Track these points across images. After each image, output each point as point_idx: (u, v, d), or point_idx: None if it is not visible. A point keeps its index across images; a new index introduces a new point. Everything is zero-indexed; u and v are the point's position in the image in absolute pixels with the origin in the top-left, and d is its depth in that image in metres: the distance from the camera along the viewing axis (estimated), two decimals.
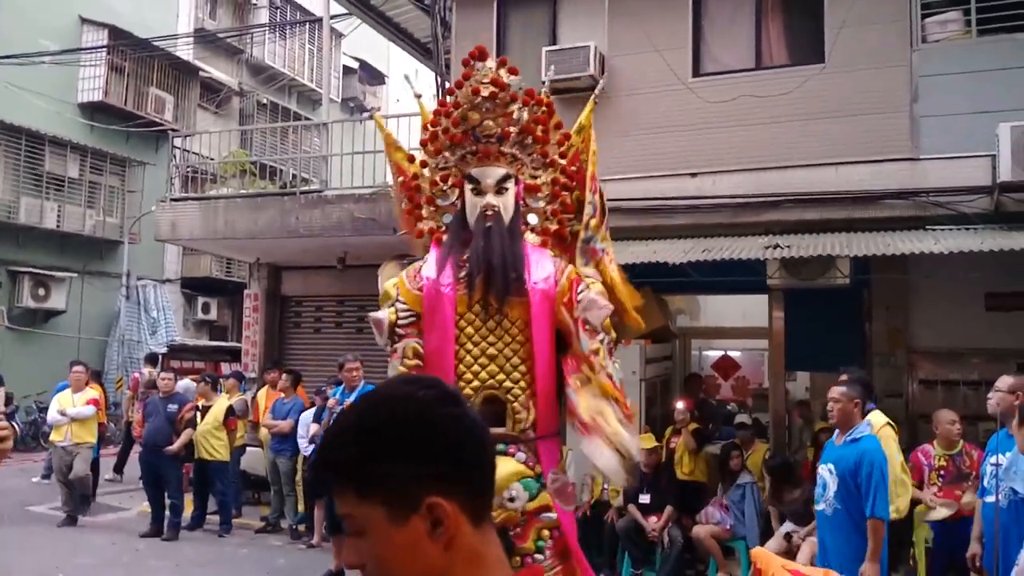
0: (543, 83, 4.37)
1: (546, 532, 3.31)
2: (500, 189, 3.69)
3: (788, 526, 6.46)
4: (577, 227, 3.83)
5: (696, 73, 8.00)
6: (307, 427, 8.02)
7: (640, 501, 7.09)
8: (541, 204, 3.81)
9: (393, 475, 0.98)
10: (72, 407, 8.64)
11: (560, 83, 8.02)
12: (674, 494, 7.14)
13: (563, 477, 3.30)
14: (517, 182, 3.77)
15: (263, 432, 8.98)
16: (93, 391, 8.91)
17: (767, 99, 7.50)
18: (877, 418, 5.41)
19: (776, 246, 6.69)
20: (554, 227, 3.80)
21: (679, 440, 7.53)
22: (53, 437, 8.86)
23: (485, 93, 3.74)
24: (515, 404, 3.39)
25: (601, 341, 3.47)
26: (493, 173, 3.71)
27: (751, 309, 9.12)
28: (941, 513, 5.73)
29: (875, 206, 7.10)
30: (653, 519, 6.94)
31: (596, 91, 4.58)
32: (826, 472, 4.61)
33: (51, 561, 7.10)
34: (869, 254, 6.44)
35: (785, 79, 7.57)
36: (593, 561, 7.26)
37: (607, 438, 3.29)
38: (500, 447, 3.32)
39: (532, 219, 3.78)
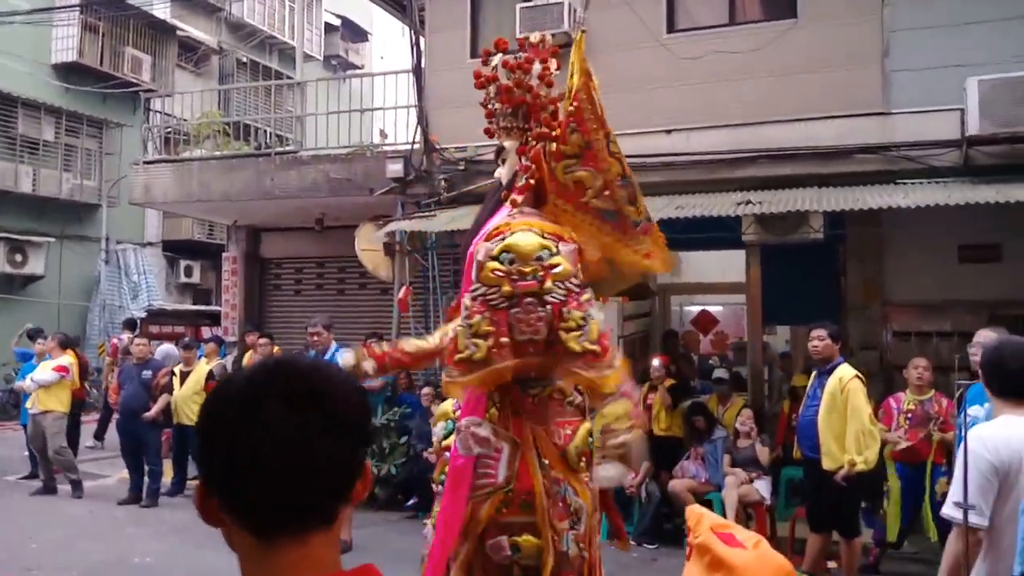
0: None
1: (448, 469, 3.51)
2: (501, 160, 3.71)
3: (742, 473, 6.71)
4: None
5: (670, 29, 7.92)
6: None
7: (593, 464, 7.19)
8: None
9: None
10: (39, 374, 8.58)
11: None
12: (650, 450, 7.25)
13: (467, 427, 3.31)
14: (523, 150, 3.64)
15: None
16: (64, 358, 8.75)
17: (740, 55, 7.45)
18: (846, 371, 5.54)
19: (748, 202, 6.70)
20: (526, 183, 3.60)
21: (655, 396, 7.61)
22: (27, 404, 8.80)
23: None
24: None
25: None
26: (497, 148, 3.76)
27: (730, 265, 9.17)
28: (901, 444, 5.98)
29: (847, 161, 7.11)
30: (630, 475, 7.04)
31: (579, 22, 4.17)
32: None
33: (24, 532, 7.05)
34: (840, 209, 6.48)
35: (758, 35, 7.51)
36: None
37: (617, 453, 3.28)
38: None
39: (520, 180, 3.62)
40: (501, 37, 3.86)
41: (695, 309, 11.39)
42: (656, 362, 7.68)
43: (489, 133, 3.70)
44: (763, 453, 6.74)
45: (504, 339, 3.22)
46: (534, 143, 3.63)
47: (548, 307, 3.19)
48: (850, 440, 5.38)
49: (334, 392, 1.00)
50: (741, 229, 7.41)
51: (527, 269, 3.20)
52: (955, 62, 6.74)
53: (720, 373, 8.14)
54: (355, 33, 22.70)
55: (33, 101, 15.65)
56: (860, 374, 5.58)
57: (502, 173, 3.68)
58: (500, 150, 3.71)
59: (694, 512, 2.47)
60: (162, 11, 17.52)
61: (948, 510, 2.48)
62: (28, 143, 15.65)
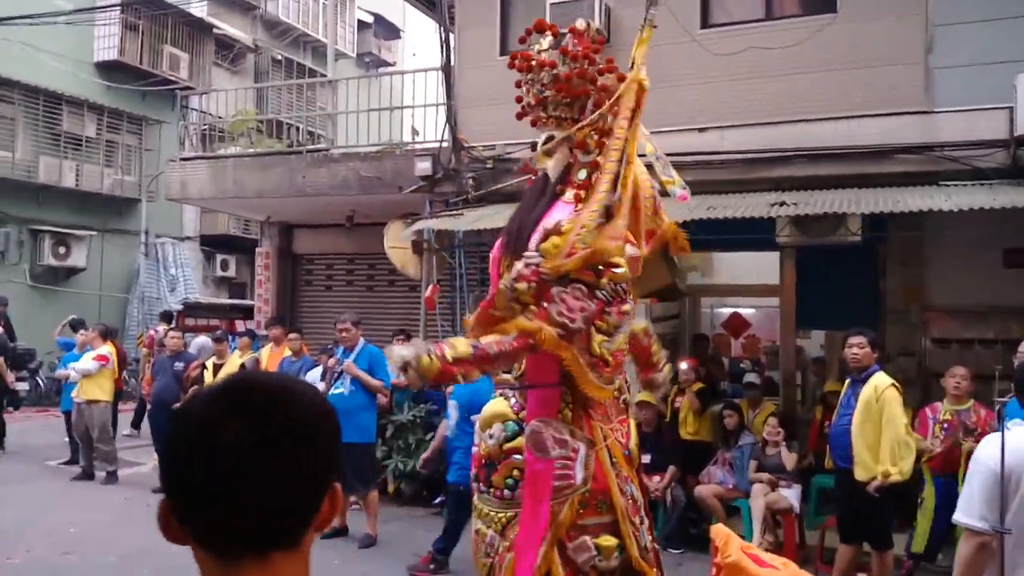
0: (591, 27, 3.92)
1: (517, 472, 3.41)
2: (548, 152, 3.53)
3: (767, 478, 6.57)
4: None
5: (704, 24, 7.75)
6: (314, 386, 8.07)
7: (641, 460, 7.08)
8: (590, 157, 3.48)
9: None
10: (81, 364, 8.85)
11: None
12: (677, 454, 7.13)
13: (543, 428, 3.23)
14: (573, 141, 3.51)
15: None
16: (105, 348, 8.98)
17: (777, 51, 7.24)
18: (882, 379, 5.36)
19: (782, 203, 6.53)
20: (587, 178, 3.46)
21: (683, 400, 7.48)
22: (73, 393, 9.03)
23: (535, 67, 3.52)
24: None
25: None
26: (541, 138, 3.57)
27: (764, 266, 8.97)
28: (936, 449, 5.82)
29: (888, 161, 6.89)
30: (656, 478, 6.93)
31: (649, 17, 3.61)
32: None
33: (64, 516, 7.25)
34: (879, 211, 6.28)
35: (795, 30, 7.30)
36: None
37: None
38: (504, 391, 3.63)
39: (580, 175, 3.49)
40: (541, 19, 3.71)
41: (726, 311, 11.18)
42: (684, 365, 7.54)
43: (533, 122, 3.51)
44: (790, 459, 6.56)
45: (533, 308, 3.11)
46: (596, 137, 3.40)
47: (593, 301, 3.15)
48: (885, 450, 5.20)
49: (299, 411, 0.95)
50: (775, 231, 7.26)
51: (589, 257, 3.12)
52: (1003, 58, 6.47)
53: (751, 377, 7.95)
54: (387, 30, 22.76)
55: (76, 98, 15.98)
56: (896, 382, 5.40)
57: (548, 166, 3.50)
58: (546, 140, 3.50)
59: (721, 532, 2.36)
60: (199, 9, 17.76)
61: (955, 515, 2.55)
62: (72, 139, 15.98)
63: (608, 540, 3.25)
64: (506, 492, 3.45)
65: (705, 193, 7.32)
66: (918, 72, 6.90)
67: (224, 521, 0.91)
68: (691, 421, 7.41)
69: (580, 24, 3.65)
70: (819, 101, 7.12)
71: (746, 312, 10.91)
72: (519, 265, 3.19)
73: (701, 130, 7.49)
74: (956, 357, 7.07)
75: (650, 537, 3.41)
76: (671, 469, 6.96)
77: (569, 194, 3.42)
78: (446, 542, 5.99)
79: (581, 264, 3.12)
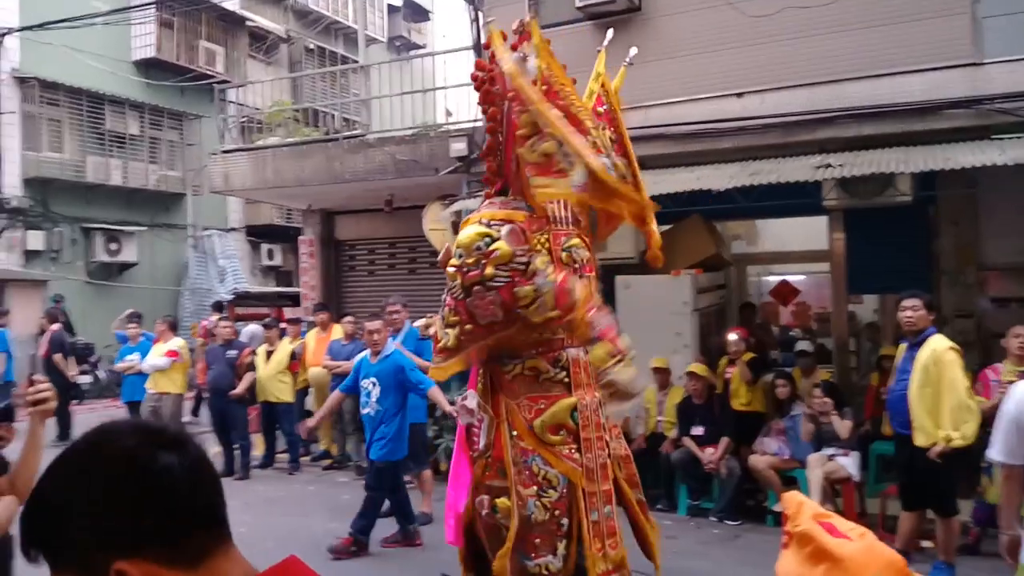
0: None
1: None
2: None
3: (828, 449, 6.45)
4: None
5: None
6: None
7: (693, 433, 7.04)
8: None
9: (78, 544, 0.91)
10: (152, 359, 9.03)
11: (595, 7, 7.72)
12: (730, 425, 7.07)
13: (464, 399, 3.87)
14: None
15: (311, 373, 9.11)
16: (175, 342, 9.11)
17: (814, 9, 7.00)
18: (940, 342, 5.23)
19: (828, 165, 6.36)
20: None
21: (733, 371, 7.39)
22: (147, 384, 9.15)
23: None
24: None
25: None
26: None
27: (811, 232, 8.78)
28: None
29: (936, 117, 6.63)
30: (709, 450, 6.89)
31: (628, 60, 4.58)
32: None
33: None
34: (929, 169, 6.07)
35: None
36: (650, 492, 7.33)
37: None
38: None
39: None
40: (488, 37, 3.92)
41: (774, 279, 10.99)
42: (733, 336, 7.44)
43: None
44: (844, 427, 6.44)
45: (468, 326, 3.64)
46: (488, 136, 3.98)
47: (495, 291, 3.48)
48: (945, 415, 5.09)
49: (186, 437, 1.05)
50: (822, 194, 7.09)
51: (471, 260, 3.55)
52: None
53: (803, 345, 7.82)
54: (416, 12, 22.71)
55: (118, 97, 16.30)
56: (955, 345, 5.25)
57: None
58: None
59: (793, 499, 2.29)
60: (232, 3, 17.91)
61: (987, 452, 3.24)
62: (116, 138, 16.32)
63: (504, 503, 3.65)
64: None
65: (747, 159, 7.19)
66: (964, 23, 6.62)
67: (200, 522, 0.99)
68: (743, 392, 7.32)
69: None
70: (861, 59, 6.88)
71: (795, 279, 10.71)
72: (444, 296, 3.87)
73: (739, 95, 7.32)
74: (1016, 317, 6.85)
75: (558, 512, 3.62)
76: (724, 440, 6.90)
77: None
78: (366, 522, 6.04)
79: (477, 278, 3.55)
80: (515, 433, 3.65)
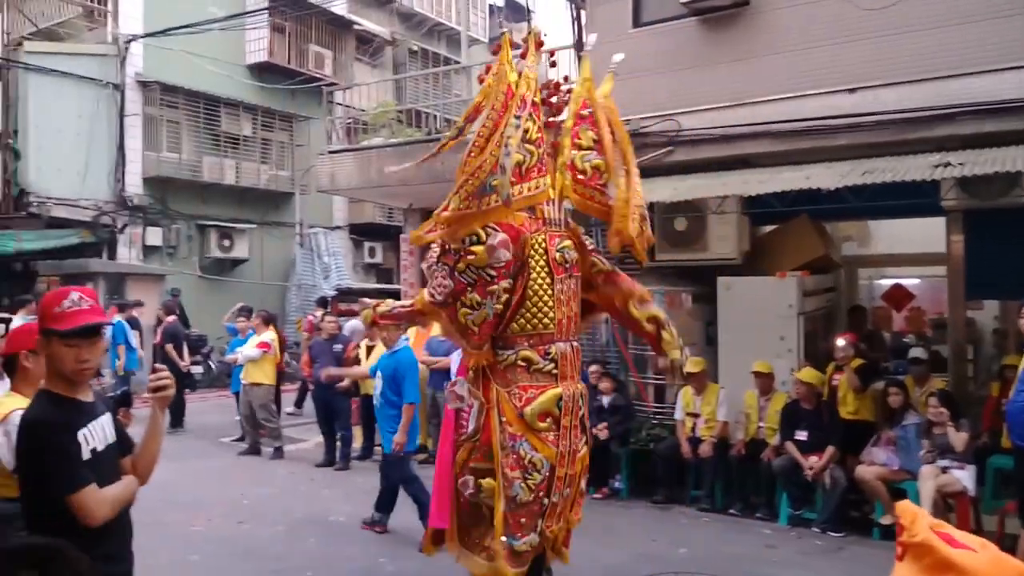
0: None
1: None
2: None
3: (943, 461, 6.12)
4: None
5: None
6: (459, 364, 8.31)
7: (796, 438, 6.82)
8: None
9: None
10: (246, 350, 9.55)
11: (701, 2, 7.58)
12: (837, 433, 6.80)
13: (454, 385, 4.13)
14: None
15: None
16: (267, 335, 9.60)
17: (933, 1, 6.67)
18: None
19: (947, 164, 6.03)
20: None
21: (841, 377, 7.11)
22: (240, 376, 9.78)
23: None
24: None
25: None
26: None
27: (929, 233, 8.35)
28: None
29: None
30: (813, 458, 6.66)
31: (613, 66, 4.78)
32: None
33: (236, 489, 7.85)
34: None
35: None
36: (750, 500, 7.15)
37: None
38: None
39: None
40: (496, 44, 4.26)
41: (887, 283, 10.50)
42: (842, 341, 7.15)
43: None
44: (959, 439, 6.08)
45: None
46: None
47: (453, 281, 3.82)
48: None
49: None
50: (940, 194, 6.74)
51: (455, 246, 3.82)
52: None
53: (917, 352, 7.42)
54: (515, 11, 22.85)
55: (232, 100, 17.12)
56: None
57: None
58: None
59: (908, 509, 2.21)
60: (341, 8, 18.49)
61: None
62: (230, 139, 17.15)
63: (490, 482, 3.90)
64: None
65: (860, 157, 6.90)
66: None
67: None
68: (850, 400, 7.04)
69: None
70: (984, 50, 6.49)
71: (909, 283, 10.20)
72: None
73: (852, 90, 7.03)
74: None
75: (541, 493, 3.88)
76: (830, 449, 6.65)
77: None
78: (386, 506, 6.36)
79: (434, 239, 3.84)
80: (504, 419, 3.89)
